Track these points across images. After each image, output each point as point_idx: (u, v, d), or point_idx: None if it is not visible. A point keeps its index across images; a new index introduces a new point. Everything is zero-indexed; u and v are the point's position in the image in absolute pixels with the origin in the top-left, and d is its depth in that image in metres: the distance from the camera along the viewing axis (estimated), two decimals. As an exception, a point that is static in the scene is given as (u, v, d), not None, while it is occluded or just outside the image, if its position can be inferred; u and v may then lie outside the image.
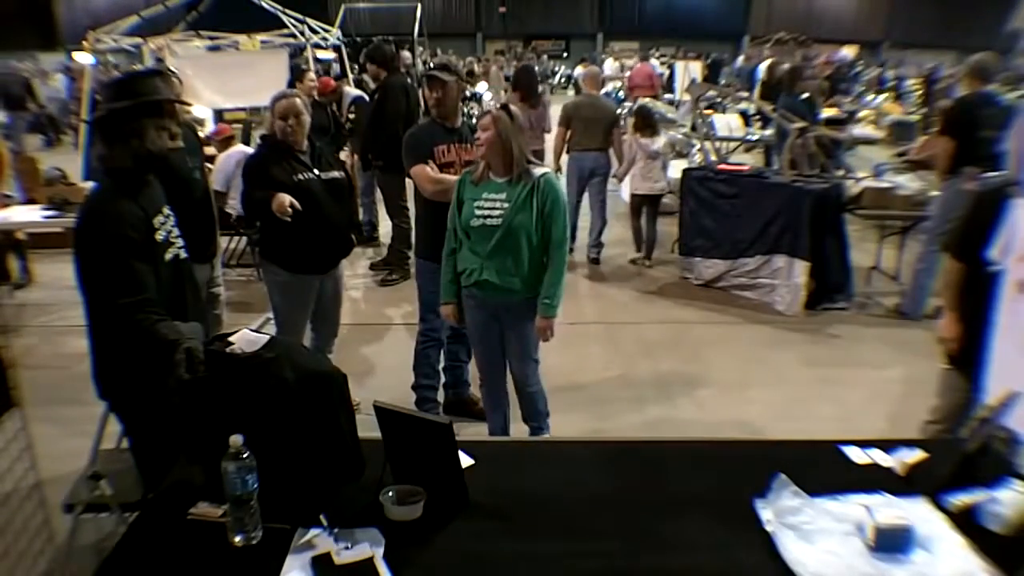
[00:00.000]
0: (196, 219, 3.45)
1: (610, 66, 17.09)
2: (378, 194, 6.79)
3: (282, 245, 3.53)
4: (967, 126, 4.86)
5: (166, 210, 2.44)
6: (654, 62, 16.33)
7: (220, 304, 4.00)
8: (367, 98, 6.98)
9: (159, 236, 2.34)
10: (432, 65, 3.86)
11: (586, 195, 6.72)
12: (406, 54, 11.21)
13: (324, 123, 6.58)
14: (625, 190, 6.95)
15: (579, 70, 18.69)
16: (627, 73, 16.86)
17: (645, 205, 6.65)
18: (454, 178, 3.39)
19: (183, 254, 2.48)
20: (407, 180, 5.81)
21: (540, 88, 7.33)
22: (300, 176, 3.47)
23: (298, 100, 3.47)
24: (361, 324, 5.45)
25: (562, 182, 6.03)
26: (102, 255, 2.19)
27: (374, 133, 6.16)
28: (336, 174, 3.63)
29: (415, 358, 4.00)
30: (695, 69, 16.87)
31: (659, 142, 6.64)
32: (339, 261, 3.77)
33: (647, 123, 6.61)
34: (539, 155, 6.37)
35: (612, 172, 6.83)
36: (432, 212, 3.49)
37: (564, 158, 6.71)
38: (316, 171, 3.53)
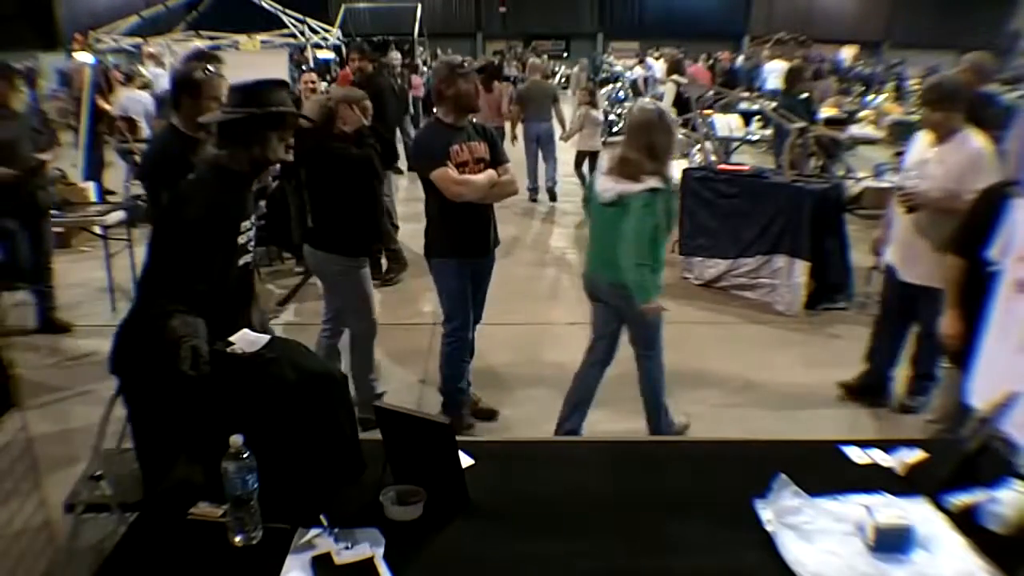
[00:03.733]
0: None
1: (659, 68, 16.76)
2: None
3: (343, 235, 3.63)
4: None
5: (253, 218, 2.49)
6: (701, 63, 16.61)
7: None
8: None
9: (241, 239, 2.39)
10: (466, 64, 3.74)
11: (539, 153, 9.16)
12: (395, 54, 11.06)
13: None
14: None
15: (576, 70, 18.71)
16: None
17: (587, 158, 8.84)
18: (478, 177, 3.39)
19: (251, 263, 2.54)
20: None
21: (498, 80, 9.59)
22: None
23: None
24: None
25: (519, 146, 8.82)
26: (188, 233, 2.22)
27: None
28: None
29: (444, 360, 3.79)
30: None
31: (599, 113, 9.05)
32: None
33: (592, 98, 8.95)
34: (500, 131, 7.70)
35: (559, 135, 8.97)
36: (451, 212, 3.45)
37: (520, 128, 8.98)
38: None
